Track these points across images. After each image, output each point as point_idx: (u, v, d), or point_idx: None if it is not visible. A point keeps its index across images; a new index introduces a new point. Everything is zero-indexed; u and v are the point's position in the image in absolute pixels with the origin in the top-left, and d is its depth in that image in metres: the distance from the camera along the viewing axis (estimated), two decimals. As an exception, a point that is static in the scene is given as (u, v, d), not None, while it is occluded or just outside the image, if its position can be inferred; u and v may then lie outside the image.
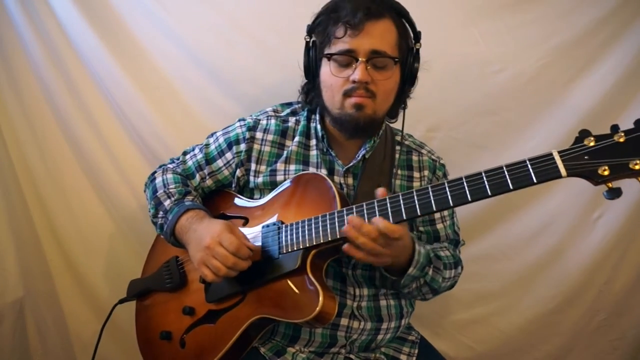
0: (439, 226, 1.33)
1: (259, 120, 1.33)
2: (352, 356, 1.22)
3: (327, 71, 1.19)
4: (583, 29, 1.62)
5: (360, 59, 1.14)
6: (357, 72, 1.14)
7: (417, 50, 1.22)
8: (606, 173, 0.87)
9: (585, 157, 0.88)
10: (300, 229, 1.12)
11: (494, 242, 1.77)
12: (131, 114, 1.73)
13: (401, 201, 1.02)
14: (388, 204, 1.03)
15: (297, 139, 1.30)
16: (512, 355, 1.82)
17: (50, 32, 1.68)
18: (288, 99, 1.42)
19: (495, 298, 1.80)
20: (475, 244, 1.77)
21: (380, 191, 1.06)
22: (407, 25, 1.22)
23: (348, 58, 1.16)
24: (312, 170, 1.26)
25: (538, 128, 1.67)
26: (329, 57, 1.17)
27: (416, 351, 1.29)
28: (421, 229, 1.34)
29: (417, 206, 1.00)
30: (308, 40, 1.23)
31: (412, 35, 1.23)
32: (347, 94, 1.17)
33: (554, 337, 1.80)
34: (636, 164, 0.85)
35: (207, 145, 1.36)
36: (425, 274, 1.19)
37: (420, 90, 1.67)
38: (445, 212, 1.34)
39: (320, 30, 1.21)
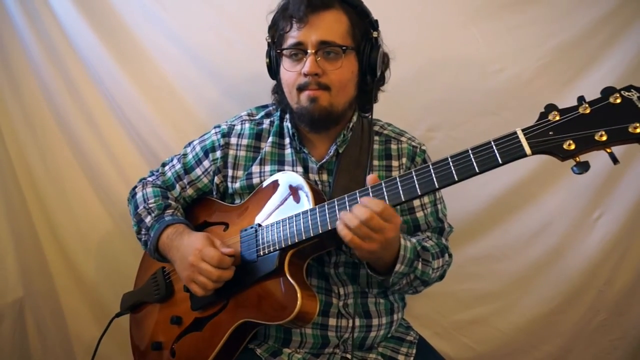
0: (419, 214, 1.29)
1: (234, 125, 1.33)
2: (348, 356, 1.22)
3: (283, 68, 1.21)
4: (583, 29, 1.62)
5: (309, 51, 1.15)
6: (307, 65, 1.14)
7: (375, 39, 1.21)
8: (572, 147, 0.83)
9: (550, 133, 0.85)
10: (275, 230, 1.12)
11: (494, 242, 1.77)
12: (131, 114, 1.74)
13: (370, 194, 1.02)
14: (358, 199, 1.02)
15: (270, 139, 1.30)
16: (512, 356, 1.82)
17: (50, 32, 1.68)
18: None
19: (495, 298, 1.80)
20: (475, 244, 1.77)
21: (370, 178, 1.04)
22: (361, 14, 1.21)
23: (298, 51, 1.17)
24: (287, 169, 1.26)
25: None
26: (280, 52, 1.20)
27: (414, 351, 1.28)
28: (401, 218, 1.30)
29: (386, 198, 1.00)
30: (269, 40, 1.25)
31: (369, 24, 1.22)
32: (300, 88, 1.18)
33: (554, 337, 1.80)
34: (601, 135, 0.81)
35: (185, 155, 1.37)
36: (415, 269, 1.15)
37: (420, 90, 1.68)
38: (426, 200, 1.29)
39: (274, 30, 1.24)
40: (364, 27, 1.21)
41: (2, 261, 1.65)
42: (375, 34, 1.21)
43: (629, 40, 1.59)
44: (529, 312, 1.78)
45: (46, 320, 1.79)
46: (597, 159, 1.64)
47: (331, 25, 1.16)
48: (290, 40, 1.18)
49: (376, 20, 1.23)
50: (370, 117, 1.29)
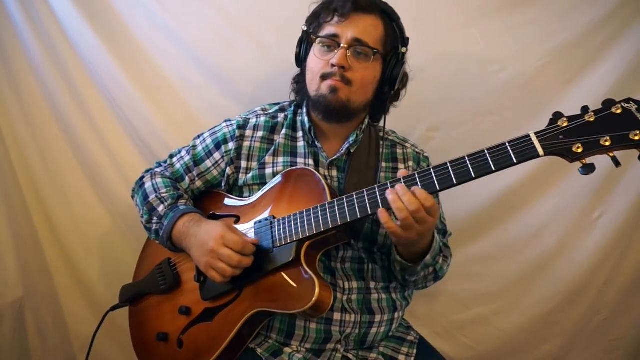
0: None
1: (249, 119, 1.37)
2: (349, 355, 1.22)
3: (312, 55, 1.27)
4: (583, 29, 1.62)
5: (342, 44, 1.21)
6: (337, 56, 1.21)
7: (403, 54, 1.27)
8: (580, 150, 0.92)
9: (560, 137, 0.95)
10: (292, 222, 1.15)
11: (494, 242, 1.77)
12: (131, 114, 1.74)
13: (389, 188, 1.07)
14: (377, 193, 1.07)
15: (284, 131, 1.34)
16: (512, 355, 1.82)
17: (50, 32, 1.68)
18: (288, 98, 1.43)
19: (495, 298, 1.80)
20: (476, 244, 1.78)
21: (401, 172, 1.08)
22: (396, 29, 1.28)
23: (332, 42, 1.24)
24: (300, 161, 1.30)
25: (538, 128, 1.67)
26: (315, 39, 1.26)
27: (414, 351, 1.29)
28: None
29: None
30: (305, 29, 1.31)
31: (400, 40, 1.28)
32: (324, 77, 1.23)
33: (554, 337, 1.80)
34: (606, 140, 0.91)
35: (194, 146, 1.38)
36: (436, 263, 1.23)
37: (420, 90, 1.67)
38: None
39: (313, 19, 1.30)
40: (396, 41, 1.28)
41: (2, 261, 1.65)
42: (404, 50, 1.28)
43: (629, 41, 1.60)
44: (529, 312, 1.79)
45: (46, 320, 1.79)
46: (597, 159, 1.66)
47: (368, 28, 1.23)
48: (327, 30, 1.25)
49: (408, 38, 1.29)
50: (379, 126, 1.35)
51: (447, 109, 1.70)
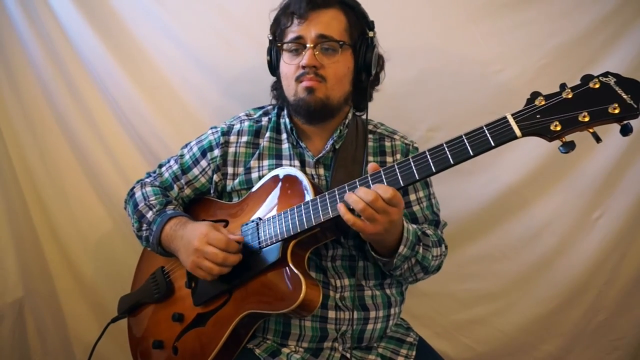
0: (415, 208, 1.33)
1: (233, 125, 1.37)
2: (348, 355, 1.22)
3: (283, 62, 1.27)
4: (584, 28, 1.62)
5: (308, 44, 1.21)
6: (305, 57, 1.21)
7: (371, 38, 1.27)
8: (558, 128, 0.89)
9: (537, 116, 0.91)
10: (277, 221, 1.15)
11: (494, 242, 1.77)
12: (131, 114, 1.74)
13: (370, 182, 1.04)
14: (358, 186, 1.05)
15: (267, 134, 1.34)
16: (512, 356, 1.82)
17: (50, 32, 1.68)
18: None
19: (495, 298, 1.80)
20: (475, 244, 1.78)
21: (371, 166, 1.07)
22: (358, 15, 1.27)
23: (298, 45, 1.24)
24: (285, 163, 1.30)
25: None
26: (281, 46, 1.26)
27: (414, 353, 1.29)
28: None
29: (385, 184, 1.03)
30: (270, 37, 1.31)
31: (365, 24, 1.28)
32: (298, 80, 1.23)
33: (554, 337, 1.80)
34: (584, 116, 0.87)
35: (182, 155, 1.40)
36: (416, 253, 1.19)
37: (420, 90, 1.68)
38: (421, 194, 1.34)
39: (276, 26, 1.30)
40: (361, 27, 1.28)
41: (2, 261, 1.65)
42: (371, 34, 1.27)
43: (630, 40, 1.59)
44: (529, 312, 1.79)
45: (46, 320, 1.79)
46: (596, 159, 1.66)
47: (330, 22, 1.23)
48: (290, 35, 1.24)
49: (372, 22, 1.29)
50: (364, 116, 1.33)
51: (447, 109, 1.70)
